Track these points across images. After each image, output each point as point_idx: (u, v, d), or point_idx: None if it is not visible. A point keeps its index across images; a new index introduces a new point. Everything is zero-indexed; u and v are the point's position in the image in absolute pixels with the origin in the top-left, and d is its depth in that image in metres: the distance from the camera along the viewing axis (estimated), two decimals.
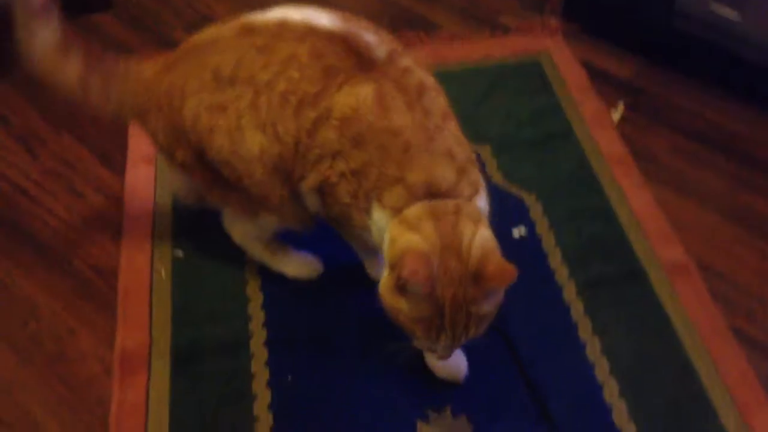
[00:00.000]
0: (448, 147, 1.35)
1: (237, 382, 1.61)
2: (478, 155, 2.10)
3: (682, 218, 1.97)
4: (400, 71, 1.36)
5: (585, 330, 1.70)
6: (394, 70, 1.36)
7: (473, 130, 2.15)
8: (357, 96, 1.32)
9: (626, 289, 1.79)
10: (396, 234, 1.28)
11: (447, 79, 2.29)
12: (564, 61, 2.37)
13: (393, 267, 1.25)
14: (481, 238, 1.28)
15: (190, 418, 1.56)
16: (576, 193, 2.01)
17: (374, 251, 1.51)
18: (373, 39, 1.38)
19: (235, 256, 1.83)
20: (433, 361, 1.57)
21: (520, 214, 1.95)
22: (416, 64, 1.42)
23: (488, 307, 1.28)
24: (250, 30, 1.41)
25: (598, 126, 2.19)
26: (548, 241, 1.89)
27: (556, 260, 1.84)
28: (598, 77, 2.33)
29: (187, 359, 1.64)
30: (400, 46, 1.44)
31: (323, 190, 1.43)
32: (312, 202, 1.49)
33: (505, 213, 1.94)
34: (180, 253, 1.85)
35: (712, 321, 1.72)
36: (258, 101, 1.38)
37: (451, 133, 1.38)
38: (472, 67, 2.37)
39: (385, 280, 1.30)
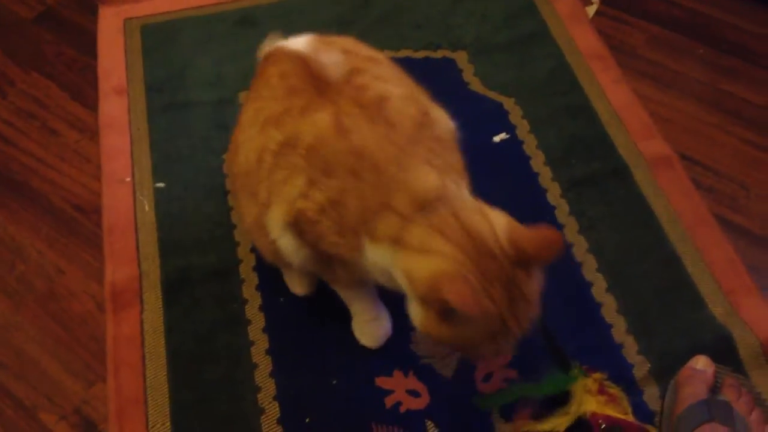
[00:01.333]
0: (423, 155, 1.25)
1: (230, 308, 1.62)
2: (454, 61, 2.08)
3: (662, 111, 1.96)
4: (356, 88, 1.29)
5: (571, 230, 1.71)
6: (350, 88, 1.29)
7: (448, 37, 2.14)
8: (315, 124, 1.26)
9: (610, 186, 1.79)
10: (410, 265, 1.18)
11: None
12: None
13: (427, 301, 1.15)
14: (499, 223, 1.19)
15: (187, 345, 1.57)
16: (555, 94, 1.99)
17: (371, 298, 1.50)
18: (333, 59, 1.33)
19: (217, 184, 1.82)
20: None
21: (501, 120, 1.93)
22: (385, 78, 1.35)
23: (540, 280, 1.21)
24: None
25: (574, 23, 2.16)
26: (530, 145, 1.88)
27: (539, 163, 1.84)
28: None
29: (178, 289, 1.65)
30: (379, 60, 1.41)
31: (301, 228, 1.30)
32: (287, 244, 1.35)
33: (484, 119, 1.93)
34: (161, 184, 1.84)
35: (695, 210, 1.73)
36: (241, 118, 1.44)
37: (428, 141, 1.28)
38: None
39: (422, 318, 1.19)
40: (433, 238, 1.17)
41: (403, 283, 1.20)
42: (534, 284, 1.19)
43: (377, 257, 1.23)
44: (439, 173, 1.23)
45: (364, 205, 1.22)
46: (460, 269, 1.14)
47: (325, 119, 1.25)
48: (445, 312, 1.12)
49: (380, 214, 1.21)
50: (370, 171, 1.21)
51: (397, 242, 1.19)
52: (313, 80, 1.31)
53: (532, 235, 1.17)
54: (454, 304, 1.08)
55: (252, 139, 1.37)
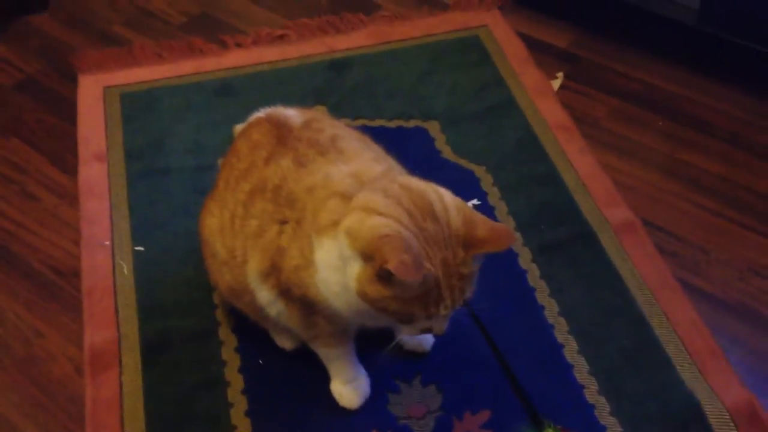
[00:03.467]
0: (369, 157, 1.40)
1: (209, 370, 1.64)
2: (426, 131, 2.15)
3: (625, 179, 2.04)
4: (313, 131, 1.45)
5: (542, 293, 1.77)
6: (307, 131, 1.44)
7: (420, 107, 2.23)
8: (281, 167, 1.39)
9: (578, 251, 1.85)
10: (353, 224, 1.21)
11: (389, 58, 2.38)
12: (503, 34, 2.43)
13: (369, 258, 1.18)
14: (450, 197, 1.28)
15: (166, 408, 1.58)
16: (523, 162, 2.07)
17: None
18: (294, 113, 1.51)
19: (196, 247, 1.84)
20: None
21: (472, 187, 2.00)
22: (341, 128, 1.52)
23: (477, 264, 1.27)
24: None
25: (540, 95, 2.26)
26: (501, 211, 1.95)
27: (510, 229, 1.90)
28: (536, 48, 2.40)
29: (157, 351, 1.67)
30: (335, 125, 1.53)
31: (276, 266, 1.37)
32: (265, 296, 1.43)
33: (456, 187, 1.97)
34: (141, 248, 1.86)
35: (660, 274, 1.80)
36: (216, 191, 1.54)
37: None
38: (413, 45, 2.42)
39: (359, 274, 1.21)
40: (378, 198, 1.24)
41: (345, 244, 1.21)
42: (471, 268, 1.25)
43: (326, 253, 1.28)
44: (385, 169, 1.35)
45: (316, 206, 1.31)
46: (402, 230, 1.19)
47: (289, 162, 1.39)
48: (383, 273, 1.16)
49: (325, 204, 1.29)
50: (322, 184, 1.32)
51: (340, 221, 1.24)
52: (274, 132, 1.46)
53: (487, 224, 1.25)
54: (393, 269, 1.13)
55: (224, 200, 1.47)
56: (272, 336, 1.65)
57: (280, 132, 1.45)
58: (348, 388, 1.57)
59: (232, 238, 1.44)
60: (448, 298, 1.24)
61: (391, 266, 1.13)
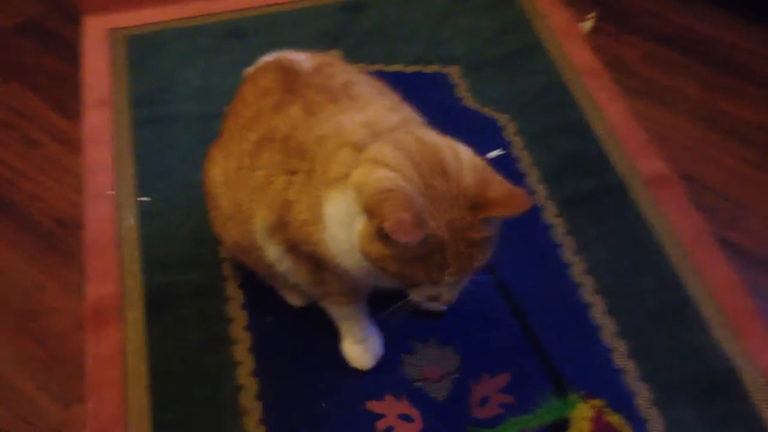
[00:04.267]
0: (384, 105, 1.28)
1: (215, 327, 1.56)
2: (446, 76, 2.04)
3: (658, 128, 1.93)
4: (324, 76, 1.34)
5: (568, 250, 1.67)
6: (318, 77, 1.34)
7: (439, 52, 2.11)
8: (290, 117, 1.29)
9: (607, 205, 1.75)
10: (361, 177, 1.13)
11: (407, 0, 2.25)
12: None
13: (371, 214, 1.10)
14: (468, 154, 1.17)
15: (170, 366, 1.51)
16: (549, 110, 1.96)
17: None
18: (304, 57, 1.39)
19: (202, 199, 1.75)
20: None
21: (495, 136, 1.89)
22: (354, 74, 1.39)
23: (492, 229, 1.16)
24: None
25: (568, 38, 2.13)
26: (525, 161, 1.84)
27: (533, 181, 1.80)
28: None
29: (161, 307, 1.59)
30: (348, 70, 1.41)
31: (283, 221, 1.27)
32: (273, 253, 1.34)
33: (478, 135, 1.89)
34: (146, 198, 1.78)
35: (695, 230, 1.69)
36: (221, 139, 1.44)
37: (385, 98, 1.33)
38: None
39: (362, 231, 1.13)
40: (387, 150, 1.14)
41: (352, 198, 1.14)
42: (483, 233, 1.13)
43: (335, 208, 1.18)
44: (401, 120, 1.25)
45: (327, 157, 1.20)
46: (406, 185, 1.09)
47: (298, 111, 1.28)
48: (381, 231, 1.07)
49: (336, 155, 1.19)
50: (334, 133, 1.22)
51: (350, 173, 1.15)
52: (283, 77, 1.35)
53: (503, 186, 1.14)
54: (389, 228, 1.04)
55: (230, 149, 1.37)
56: (281, 294, 1.57)
57: (289, 78, 1.34)
58: (359, 348, 1.48)
59: (238, 191, 1.34)
60: (453, 264, 1.13)
61: (387, 225, 1.04)
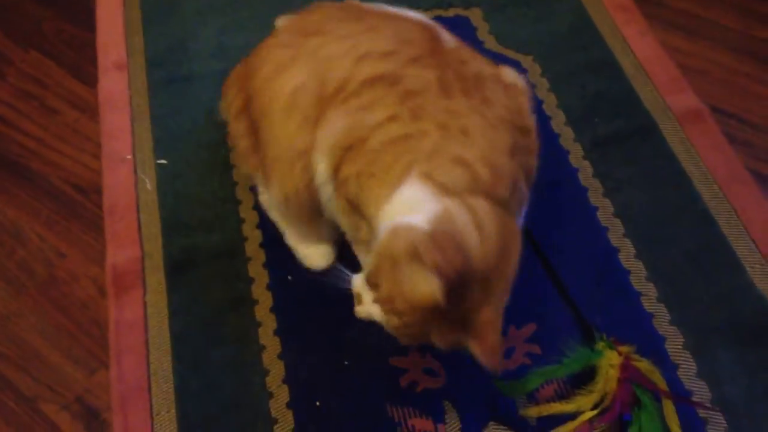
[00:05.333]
0: (508, 144, 1.20)
1: (236, 288, 1.54)
2: (468, 19, 1.96)
3: (692, 62, 1.84)
4: (460, 61, 1.27)
5: (595, 193, 1.61)
6: (456, 57, 1.28)
7: None
8: (423, 78, 1.23)
9: (637, 145, 1.68)
10: (393, 241, 1.09)
11: None
12: None
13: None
14: None
15: (191, 329, 1.49)
16: (576, 49, 1.88)
17: None
18: (446, 33, 1.34)
19: (222, 159, 1.74)
20: None
21: None
22: (480, 62, 1.32)
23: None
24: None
25: None
26: (550, 104, 1.77)
27: (559, 123, 1.73)
28: None
29: (182, 270, 1.57)
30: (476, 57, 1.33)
31: (353, 146, 1.22)
32: (322, 170, 1.28)
33: None
34: (164, 161, 1.76)
35: (730, 166, 1.62)
36: (319, 51, 1.29)
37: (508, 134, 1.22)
38: None
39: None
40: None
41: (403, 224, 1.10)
42: None
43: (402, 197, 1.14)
44: (511, 186, 1.18)
45: (443, 148, 1.16)
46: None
47: (433, 78, 1.23)
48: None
49: (437, 157, 1.15)
50: (458, 131, 1.17)
51: (445, 191, 1.13)
52: (429, 39, 1.29)
53: None
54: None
55: (340, 68, 1.26)
56: (303, 256, 1.54)
57: (434, 44, 1.29)
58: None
59: (319, 105, 1.26)
60: None
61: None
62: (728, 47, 1.87)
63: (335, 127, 1.24)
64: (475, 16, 1.97)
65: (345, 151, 1.23)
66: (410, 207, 1.12)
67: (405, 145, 1.17)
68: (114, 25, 2.06)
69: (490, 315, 1.11)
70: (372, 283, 1.14)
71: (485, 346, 1.11)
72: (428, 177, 1.13)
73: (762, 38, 1.87)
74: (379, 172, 1.17)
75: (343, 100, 1.25)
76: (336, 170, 1.25)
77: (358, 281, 1.19)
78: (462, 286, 1.05)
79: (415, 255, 1.04)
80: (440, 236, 1.05)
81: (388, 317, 1.13)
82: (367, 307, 1.17)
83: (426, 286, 1.03)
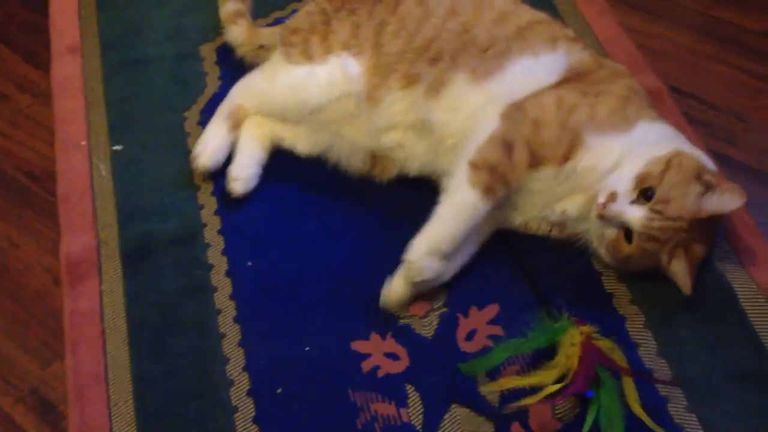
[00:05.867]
0: None
1: (195, 275, 1.52)
2: None
3: (652, 42, 1.84)
4: None
5: None
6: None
7: None
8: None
9: None
10: None
11: None
12: None
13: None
14: None
15: (149, 317, 1.47)
16: None
17: None
18: None
19: (179, 143, 1.71)
20: None
21: None
22: None
23: None
24: None
25: None
26: None
27: None
28: None
29: (138, 257, 1.54)
30: None
31: None
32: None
33: None
34: (119, 147, 1.72)
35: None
36: None
37: None
38: None
39: None
40: None
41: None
42: None
43: None
44: None
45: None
46: None
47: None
48: None
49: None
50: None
51: None
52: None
53: None
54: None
55: None
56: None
57: None
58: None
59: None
60: None
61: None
62: (687, 27, 1.88)
63: None
64: None
65: None
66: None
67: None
68: (67, 9, 2.02)
69: (703, 251, 1.35)
70: (643, 183, 1.30)
71: (692, 274, 1.32)
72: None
73: (720, 18, 1.88)
74: None
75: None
76: None
77: (620, 180, 1.32)
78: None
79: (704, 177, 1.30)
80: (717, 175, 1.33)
81: (652, 217, 1.28)
82: (623, 207, 1.30)
83: (731, 201, 1.30)
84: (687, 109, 1.69)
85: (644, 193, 1.30)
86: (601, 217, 1.31)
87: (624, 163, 1.34)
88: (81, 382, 1.39)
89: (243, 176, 1.59)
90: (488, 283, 1.47)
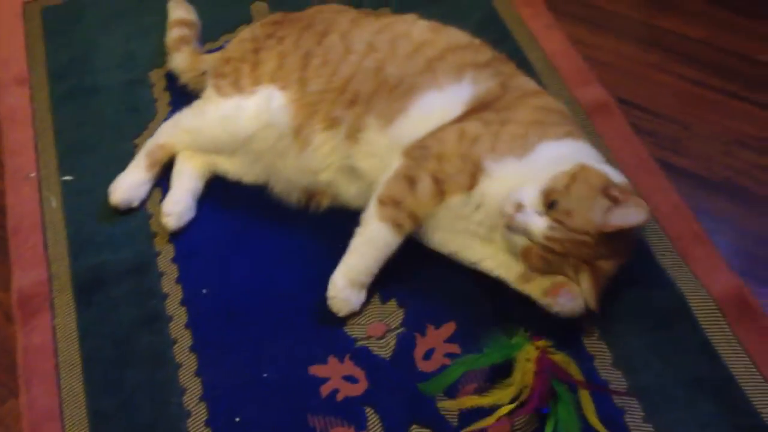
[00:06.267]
0: None
1: (149, 305, 1.50)
2: None
3: (598, 54, 1.87)
4: None
5: None
6: None
7: None
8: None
9: None
10: None
11: None
12: None
13: None
14: None
15: (103, 350, 1.45)
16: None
17: None
18: None
19: None
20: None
21: None
22: None
23: None
24: None
25: None
26: None
27: None
28: None
29: (91, 290, 1.53)
30: None
31: None
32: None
33: None
34: (69, 177, 1.71)
35: (637, 156, 1.65)
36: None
37: None
38: None
39: None
40: None
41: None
42: None
43: None
44: None
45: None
46: None
47: None
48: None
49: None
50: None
51: None
52: None
53: None
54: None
55: None
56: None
57: None
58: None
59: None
60: None
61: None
62: (632, 38, 1.91)
63: None
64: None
65: None
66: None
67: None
68: (14, 39, 2.01)
69: (610, 268, 1.33)
70: (548, 197, 1.30)
71: (597, 290, 1.31)
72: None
73: (664, 27, 1.91)
74: None
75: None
76: None
77: (527, 193, 1.32)
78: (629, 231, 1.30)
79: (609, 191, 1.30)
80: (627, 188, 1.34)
81: (552, 228, 1.29)
82: (527, 217, 1.30)
83: (635, 216, 1.27)
84: (633, 119, 1.71)
85: (550, 206, 1.30)
86: (508, 227, 1.32)
87: (528, 181, 1.34)
88: (35, 419, 1.37)
89: (175, 211, 1.58)
90: (444, 301, 1.48)
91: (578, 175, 1.32)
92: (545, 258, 1.32)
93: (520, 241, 1.34)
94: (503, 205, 1.32)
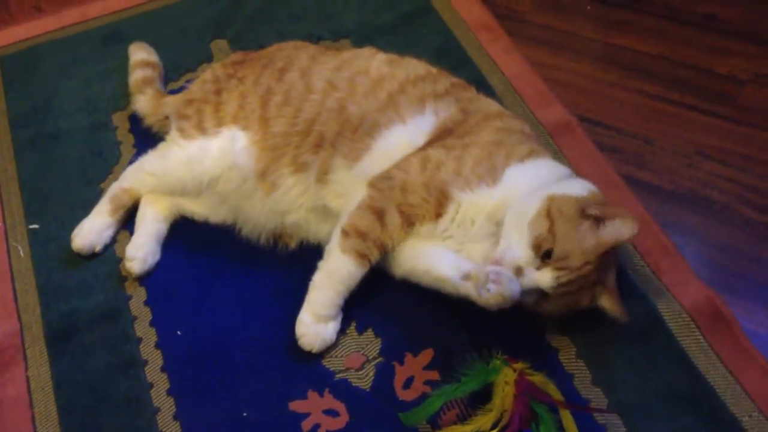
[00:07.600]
0: None
1: (123, 350, 1.49)
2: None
3: (557, 75, 1.89)
4: None
5: None
6: None
7: (329, 26, 2.04)
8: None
9: None
10: None
11: None
12: None
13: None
14: None
15: (80, 399, 1.43)
16: (446, 70, 1.89)
17: None
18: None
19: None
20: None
21: None
22: None
23: None
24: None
25: None
26: None
27: None
28: None
29: (64, 338, 1.51)
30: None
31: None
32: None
33: None
34: (36, 225, 1.69)
35: (602, 172, 1.66)
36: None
37: None
38: None
39: None
40: None
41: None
42: None
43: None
44: None
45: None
46: None
47: None
48: None
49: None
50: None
51: None
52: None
53: None
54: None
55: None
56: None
57: None
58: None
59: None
60: None
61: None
62: (590, 57, 1.94)
63: None
64: (346, 47, 1.97)
65: None
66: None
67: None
68: None
69: (613, 277, 1.36)
70: (540, 249, 1.29)
71: (619, 302, 1.34)
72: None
73: (621, 45, 1.94)
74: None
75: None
76: None
77: (517, 253, 1.30)
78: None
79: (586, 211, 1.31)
80: (599, 198, 1.36)
81: (559, 274, 1.28)
82: (531, 276, 1.29)
83: (627, 230, 1.28)
84: (596, 137, 1.74)
85: (546, 256, 1.29)
86: (521, 295, 1.31)
87: (508, 230, 1.33)
88: None
89: (138, 256, 1.57)
90: (421, 328, 1.48)
91: (552, 210, 1.31)
92: (563, 302, 1.32)
93: (529, 297, 1.33)
94: (497, 278, 1.28)
